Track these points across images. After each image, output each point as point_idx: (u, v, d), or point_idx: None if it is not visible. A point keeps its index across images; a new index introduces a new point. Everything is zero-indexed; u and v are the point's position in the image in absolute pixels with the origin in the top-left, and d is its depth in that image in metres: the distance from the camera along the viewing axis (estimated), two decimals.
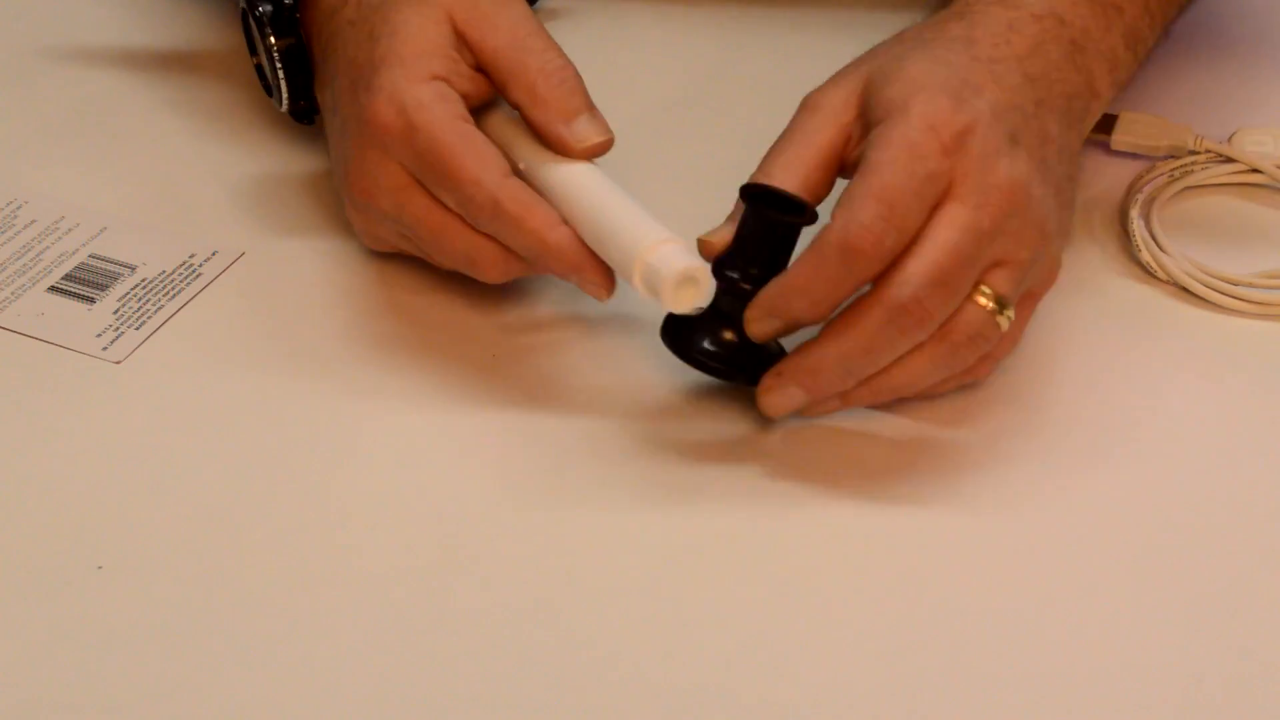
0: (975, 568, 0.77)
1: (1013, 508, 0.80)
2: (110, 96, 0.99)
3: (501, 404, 0.83)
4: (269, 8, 0.89)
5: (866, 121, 0.80)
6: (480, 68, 0.84)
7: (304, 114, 0.92)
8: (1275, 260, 0.90)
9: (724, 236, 0.80)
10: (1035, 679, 0.73)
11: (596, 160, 0.83)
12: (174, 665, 0.73)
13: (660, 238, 0.78)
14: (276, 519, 0.78)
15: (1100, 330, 0.87)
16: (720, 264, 0.79)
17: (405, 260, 0.87)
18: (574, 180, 0.81)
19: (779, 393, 0.79)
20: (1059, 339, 0.87)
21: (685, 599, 0.76)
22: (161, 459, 0.81)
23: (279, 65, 0.89)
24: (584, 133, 0.82)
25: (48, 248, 0.90)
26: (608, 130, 0.82)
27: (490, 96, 0.85)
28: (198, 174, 0.94)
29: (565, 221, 0.81)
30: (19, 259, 0.90)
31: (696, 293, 0.78)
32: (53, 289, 0.88)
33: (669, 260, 0.77)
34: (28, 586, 0.76)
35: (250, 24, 0.91)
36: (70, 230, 0.91)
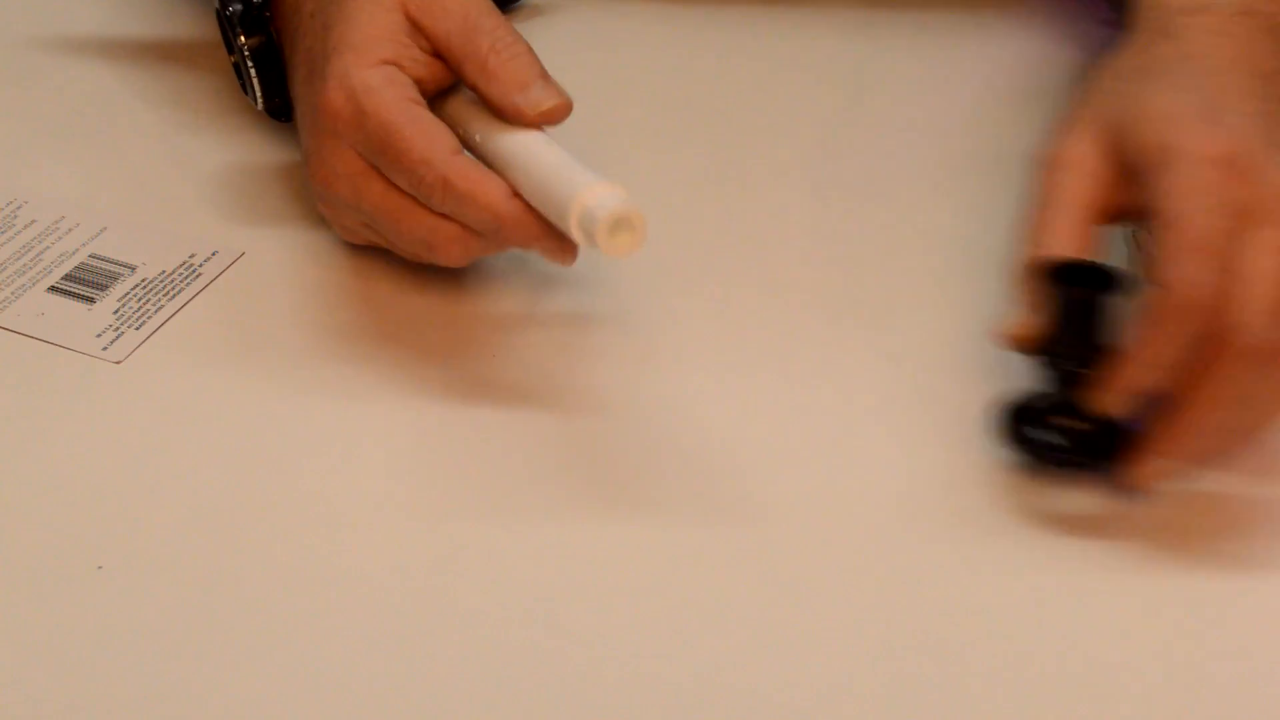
0: (976, 572, 0.77)
1: (1006, 505, 0.80)
2: (110, 96, 0.99)
3: (502, 404, 0.83)
4: (239, 7, 0.90)
5: (1123, 167, 0.78)
6: (436, 53, 0.84)
7: (280, 111, 0.92)
8: None
9: (1032, 324, 0.77)
10: (1035, 677, 0.73)
11: (553, 130, 0.82)
12: (174, 665, 0.73)
13: (593, 183, 0.77)
14: (276, 519, 0.78)
15: None
16: (1046, 352, 0.77)
17: (405, 260, 0.87)
18: (521, 147, 0.81)
19: (1157, 466, 0.78)
20: None
21: (688, 598, 0.76)
22: (161, 459, 0.81)
23: (250, 64, 0.90)
24: (537, 98, 0.82)
25: (48, 248, 0.90)
26: (562, 94, 0.82)
27: (448, 82, 0.85)
28: (198, 174, 0.94)
29: (517, 194, 0.80)
30: (19, 259, 0.90)
31: (632, 239, 0.76)
32: (53, 289, 0.88)
33: (604, 203, 0.76)
34: (28, 586, 0.76)
35: (223, 23, 0.92)
36: (70, 230, 0.91)
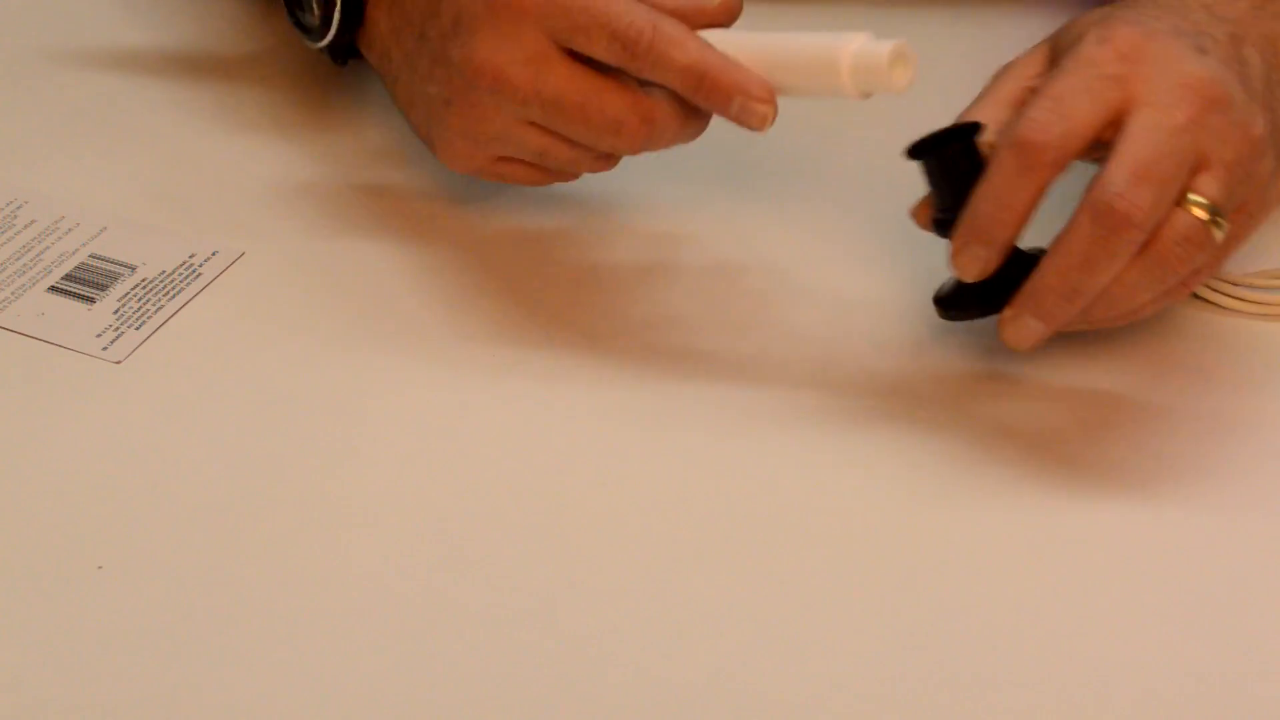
0: (974, 570, 0.77)
1: (1007, 509, 0.80)
2: (110, 96, 0.99)
3: (501, 403, 0.83)
4: None
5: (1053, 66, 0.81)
6: None
7: (341, 51, 0.91)
8: (1275, 260, 0.90)
9: (925, 199, 0.80)
10: (1037, 679, 0.73)
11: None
12: (174, 665, 0.73)
13: (848, 33, 0.79)
14: (276, 519, 0.78)
15: (1099, 330, 0.87)
16: (938, 222, 0.80)
17: (404, 261, 0.87)
18: (733, 40, 0.81)
19: (1015, 324, 0.79)
20: (1058, 338, 0.86)
21: (690, 593, 0.76)
22: (161, 459, 0.81)
23: None
24: None
25: (48, 248, 0.90)
26: None
27: None
28: (198, 174, 0.94)
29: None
30: (19, 259, 0.90)
31: (909, 71, 0.78)
32: (53, 289, 0.88)
33: (872, 44, 0.78)
34: (28, 586, 0.76)
35: None
36: (70, 230, 0.91)
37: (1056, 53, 0.81)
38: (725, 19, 0.82)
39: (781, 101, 0.80)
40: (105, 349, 0.85)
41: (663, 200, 0.92)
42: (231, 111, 0.98)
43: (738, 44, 0.81)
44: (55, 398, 0.83)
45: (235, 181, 0.93)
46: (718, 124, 0.83)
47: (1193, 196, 0.78)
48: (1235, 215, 0.80)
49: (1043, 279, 0.78)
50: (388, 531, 0.78)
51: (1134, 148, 0.77)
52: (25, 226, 0.91)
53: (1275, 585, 0.77)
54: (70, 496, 0.79)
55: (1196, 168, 0.78)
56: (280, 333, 0.86)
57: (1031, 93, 0.80)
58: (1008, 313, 0.79)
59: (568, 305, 0.87)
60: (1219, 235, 0.78)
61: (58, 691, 0.72)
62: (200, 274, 0.89)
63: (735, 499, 0.80)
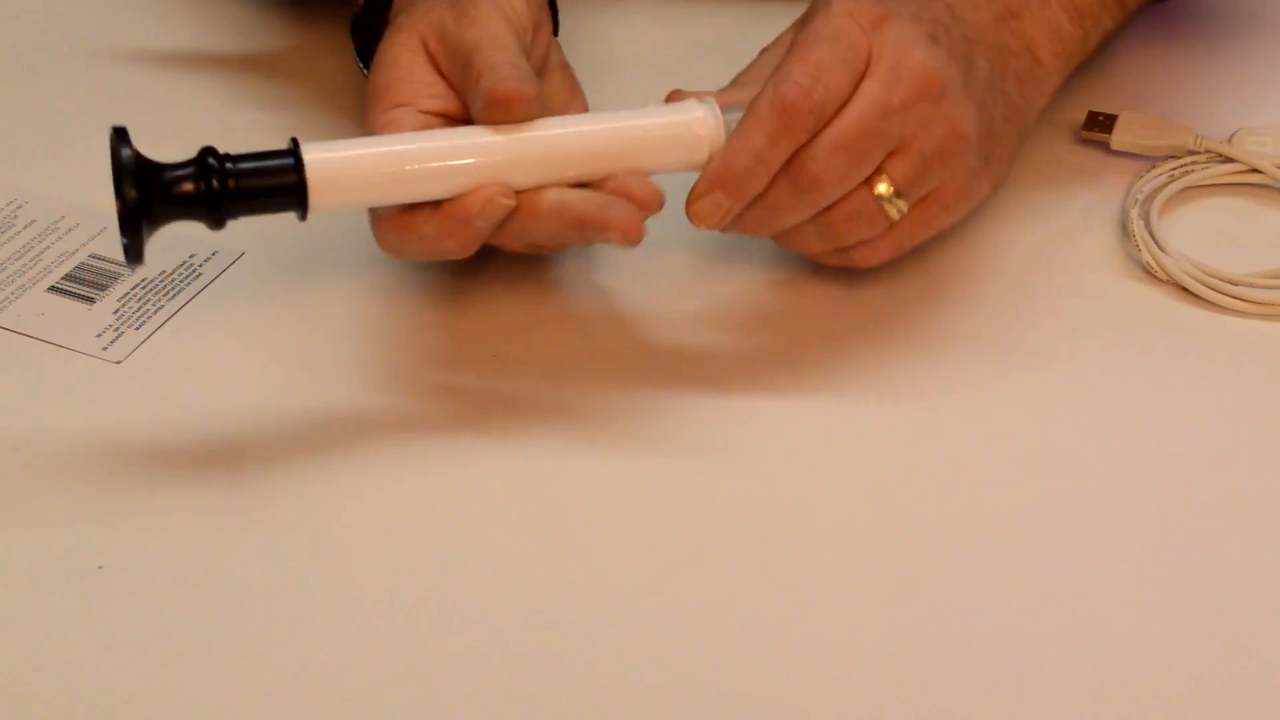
0: (977, 573, 0.77)
1: (1013, 506, 0.80)
2: (111, 96, 0.99)
3: (501, 403, 0.83)
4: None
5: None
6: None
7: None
8: (1275, 260, 0.90)
9: None
10: (1036, 677, 0.73)
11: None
12: (174, 665, 0.73)
13: (691, 105, 0.82)
14: (276, 519, 0.78)
15: (1100, 330, 0.87)
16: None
17: (405, 261, 0.87)
18: (579, 132, 0.81)
19: (706, 199, 0.81)
20: (1058, 339, 0.87)
21: (688, 593, 0.76)
22: (161, 459, 0.81)
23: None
24: (489, 86, 0.80)
25: (48, 248, 0.90)
26: (522, 83, 0.80)
27: None
28: None
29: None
30: (19, 259, 0.90)
31: None
32: (53, 289, 0.88)
33: (715, 112, 0.81)
34: (28, 586, 0.76)
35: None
36: (70, 230, 0.91)
37: (809, 11, 0.84)
38: (500, 115, 0.80)
39: None
40: (105, 349, 0.85)
41: None
42: (232, 111, 0.98)
43: (582, 136, 0.81)
44: (55, 398, 0.83)
45: None
46: None
47: (881, 176, 0.82)
48: (928, 203, 0.84)
49: (726, 205, 0.81)
50: (388, 531, 0.78)
51: (846, 120, 0.80)
52: (25, 226, 0.91)
53: (1276, 586, 0.77)
54: (70, 496, 0.79)
55: (895, 149, 0.82)
56: (280, 333, 0.86)
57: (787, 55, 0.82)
58: (700, 187, 0.81)
59: (569, 304, 0.87)
60: (894, 214, 0.83)
61: (58, 691, 0.72)
62: (200, 274, 0.89)
63: (734, 499, 0.80)
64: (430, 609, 0.75)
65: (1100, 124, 0.95)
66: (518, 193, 0.79)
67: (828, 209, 0.82)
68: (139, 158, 0.77)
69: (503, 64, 0.80)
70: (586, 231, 0.80)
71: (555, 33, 0.90)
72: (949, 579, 0.77)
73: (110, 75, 1.00)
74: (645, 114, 0.82)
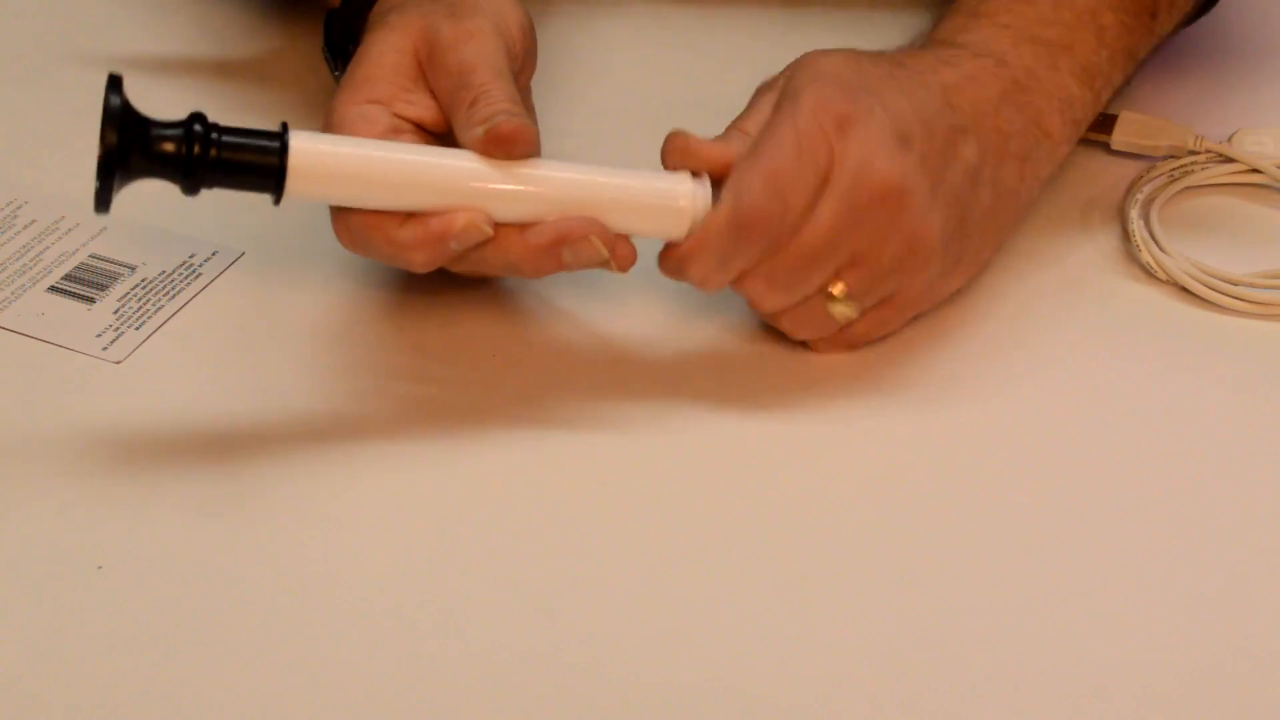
0: (980, 573, 0.77)
1: (1012, 506, 0.80)
2: None
3: (501, 402, 0.83)
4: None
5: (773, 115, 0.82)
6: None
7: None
8: (1275, 260, 0.90)
9: None
10: (1035, 676, 0.73)
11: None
12: (174, 665, 0.73)
13: (679, 175, 0.81)
14: (276, 518, 0.78)
15: (1100, 330, 0.87)
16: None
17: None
18: (562, 183, 0.81)
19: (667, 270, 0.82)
20: (1059, 339, 0.87)
21: (686, 590, 0.76)
22: (161, 459, 0.81)
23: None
24: (492, 124, 0.80)
25: (48, 248, 0.90)
26: (526, 122, 0.80)
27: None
28: None
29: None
30: (19, 259, 0.90)
31: None
32: (53, 289, 0.88)
33: (704, 185, 0.81)
34: (28, 586, 0.76)
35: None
36: (70, 230, 0.91)
37: (782, 93, 0.82)
38: (498, 150, 0.80)
39: None
40: (105, 349, 0.85)
41: None
42: (232, 112, 0.97)
43: (571, 184, 0.80)
44: (55, 398, 0.83)
45: None
46: None
47: (834, 285, 0.81)
48: (885, 306, 0.83)
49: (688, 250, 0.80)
50: (388, 531, 0.78)
51: (797, 243, 0.79)
52: (25, 226, 0.91)
53: (1276, 585, 0.77)
54: (70, 497, 0.79)
55: (849, 262, 0.81)
56: (280, 333, 0.86)
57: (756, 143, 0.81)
58: (667, 263, 0.81)
59: (572, 304, 0.87)
60: (841, 317, 0.82)
61: (58, 691, 0.72)
62: (200, 274, 0.89)
63: (733, 499, 0.80)
64: (430, 608, 0.75)
65: (1100, 124, 0.94)
66: (496, 225, 0.79)
67: (784, 312, 0.82)
68: (127, 107, 0.78)
69: (500, 95, 0.80)
70: (563, 249, 0.79)
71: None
72: (948, 576, 0.77)
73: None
74: (635, 175, 0.81)
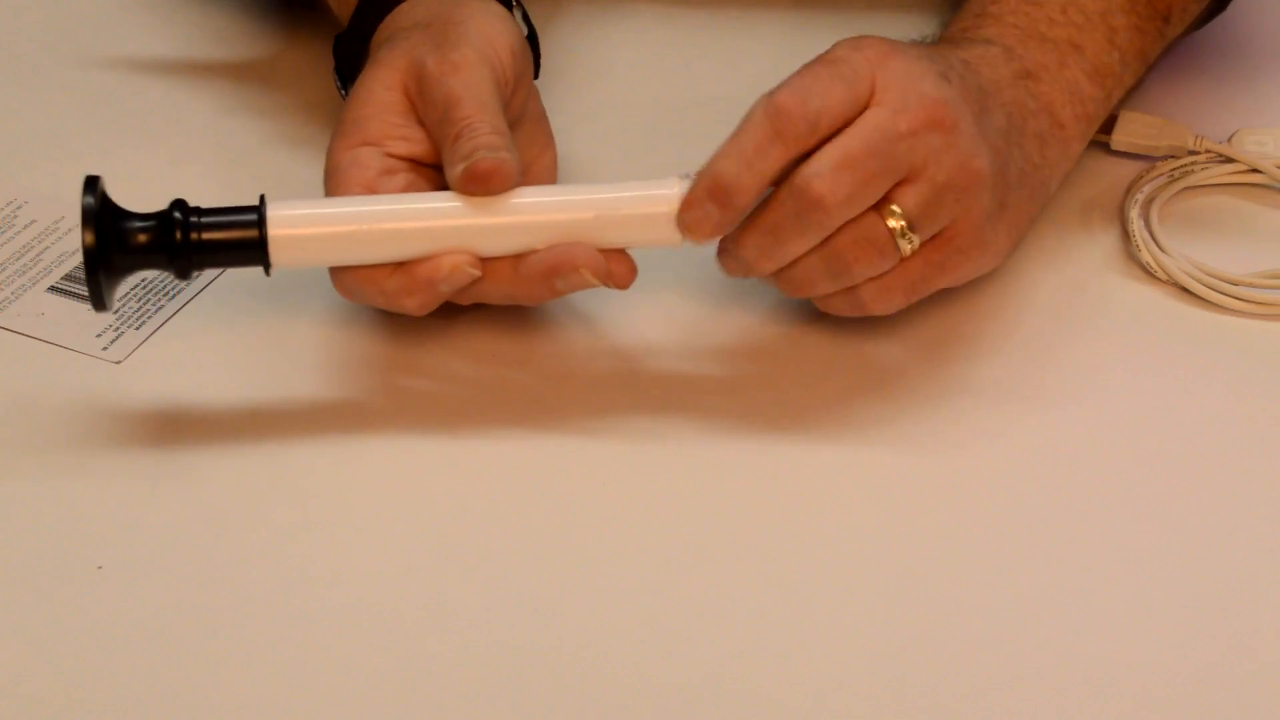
0: (979, 572, 0.77)
1: (1012, 506, 0.80)
2: (111, 97, 0.99)
3: (502, 402, 0.83)
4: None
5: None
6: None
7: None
8: (1275, 260, 0.90)
9: None
10: (1048, 681, 0.74)
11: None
12: (174, 665, 0.73)
13: (670, 180, 0.80)
14: (276, 518, 0.78)
15: (1100, 330, 0.87)
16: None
17: None
18: (550, 203, 0.80)
19: (725, 255, 0.80)
20: (1059, 339, 0.87)
21: (685, 589, 0.76)
22: (161, 459, 0.81)
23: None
24: (474, 159, 0.79)
25: (48, 248, 0.90)
26: (509, 156, 0.79)
27: None
28: (198, 174, 0.94)
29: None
30: (19, 259, 0.90)
31: None
32: (53, 289, 0.88)
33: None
34: (28, 586, 0.76)
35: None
36: (70, 230, 0.91)
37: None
38: (474, 188, 0.79)
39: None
40: (105, 349, 0.85)
41: None
42: (231, 112, 0.98)
43: (553, 208, 0.80)
44: (55, 398, 0.83)
45: (235, 182, 0.93)
46: None
47: (891, 205, 0.79)
48: (941, 242, 0.81)
49: (741, 234, 0.79)
50: (387, 530, 0.78)
51: (850, 139, 0.78)
52: (25, 226, 0.91)
53: (1275, 585, 0.77)
54: (70, 496, 0.79)
55: (906, 178, 0.79)
56: (280, 332, 0.86)
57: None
58: (689, 198, 0.79)
59: (574, 303, 0.87)
60: (905, 247, 0.80)
61: (58, 691, 0.72)
62: (200, 274, 0.89)
63: (732, 499, 0.80)
64: (430, 609, 0.75)
65: (1100, 124, 0.95)
66: (484, 260, 0.79)
67: (834, 236, 0.79)
68: (104, 206, 0.78)
69: (483, 128, 0.79)
70: (555, 280, 0.79)
71: (536, 75, 0.90)
72: (948, 575, 0.77)
73: (110, 77, 1.00)
74: (622, 187, 0.80)
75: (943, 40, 0.88)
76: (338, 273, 0.81)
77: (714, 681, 0.73)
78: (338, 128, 0.83)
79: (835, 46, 0.81)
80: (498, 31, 0.84)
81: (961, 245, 0.82)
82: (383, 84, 0.83)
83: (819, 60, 0.80)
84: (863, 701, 0.72)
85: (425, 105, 0.82)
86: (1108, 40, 0.89)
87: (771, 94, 0.78)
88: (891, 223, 0.79)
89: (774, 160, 0.78)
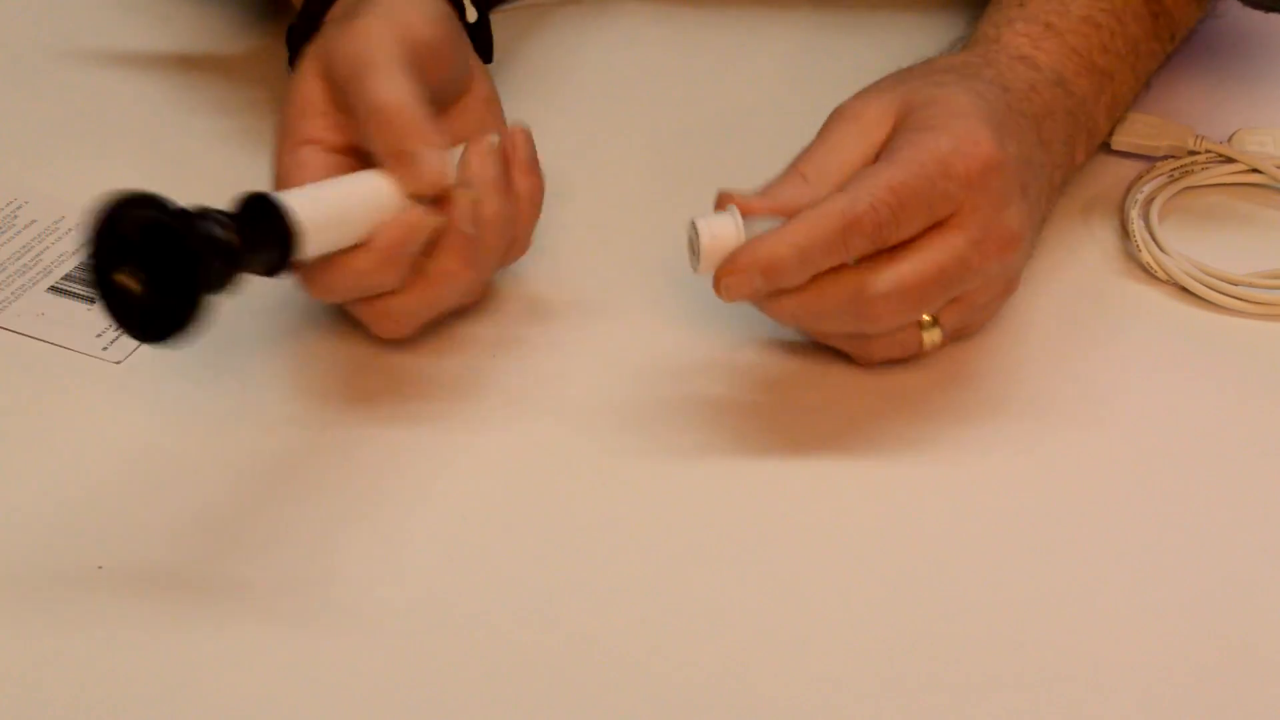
0: (980, 572, 0.77)
1: (1012, 505, 0.80)
2: (111, 96, 0.99)
3: (501, 402, 0.83)
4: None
5: (896, 140, 0.80)
6: None
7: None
8: (1275, 260, 0.90)
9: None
10: (1045, 678, 0.74)
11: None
12: (174, 665, 0.73)
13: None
14: (275, 518, 0.78)
15: (1100, 330, 0.87)
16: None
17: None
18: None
19: (741, 277, 0.79)
20: (1060, 339, 0.87)
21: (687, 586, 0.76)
22: (161, 459, 0.81)
23: None
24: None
25: (48, 248, 0.90)
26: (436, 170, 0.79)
27: None
28: (198, 174, 0.94)
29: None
30: (19, 259, 0.90)
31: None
32: (53, 289, 0.88)
33: None
34: (28, 586, 0.76)
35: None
36: (70, 230, 0.91)
37: (909, 125, 0.81)
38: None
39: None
40: (105, 349, 0.85)
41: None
42: (231, 112, 0.98)
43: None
44: (55, 398, 0.83)
45: (235, 182, 0.93)
46: None
47: (933, 318, 0.81)
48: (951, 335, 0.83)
49: (784, 300, 0.79)
50: (387, 530, 0.78)
51: (923, 266, 0.79)
52: (25, 226, 0.91)
53: (1276, 585, 0.77)
54: (70, 496, 0.79)
55: (956, 299, 0.81)
56: (279, 332, 0.86)
57: (876, 162, 0.80)
58: (738, 265, 0.78)
59: (573, 302, 0.87)
60: (928, 342, 0.82)
61: (58, 691, 0.72)
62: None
63: (733, 499, 0.80)
64: (430, 609, 0.75)
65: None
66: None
67: (870, 341, 0.81)
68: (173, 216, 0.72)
69: (402, 124, 0.78)
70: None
71: (489, 59, 0.89)
72: (949, 576, 0.77)
73: (110, 77, 1.00)
74: None
75: (1011, 54, 0.87)
76: (310, 273, 0.80)
77: (719, 691, 0.73)
78: (277, 129, 0.82)
79: (941, 140, 0.79)
80: (409, 3, 0.83)
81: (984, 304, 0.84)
82: (304, 76, 0.82)
83: (923, 168, 0.78)
84: (872, 709, 0.72)
85: (336, 88, 0.81)
86: (1133, 73, 0.91)
87: (855, 199, 0.77)
88: (924, 329, 0.82)
89: (835, 261, 0.78)
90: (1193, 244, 0.90)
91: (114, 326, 0.73)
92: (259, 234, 0.75)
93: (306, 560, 0.77)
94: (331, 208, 0.78)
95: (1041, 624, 0.75)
